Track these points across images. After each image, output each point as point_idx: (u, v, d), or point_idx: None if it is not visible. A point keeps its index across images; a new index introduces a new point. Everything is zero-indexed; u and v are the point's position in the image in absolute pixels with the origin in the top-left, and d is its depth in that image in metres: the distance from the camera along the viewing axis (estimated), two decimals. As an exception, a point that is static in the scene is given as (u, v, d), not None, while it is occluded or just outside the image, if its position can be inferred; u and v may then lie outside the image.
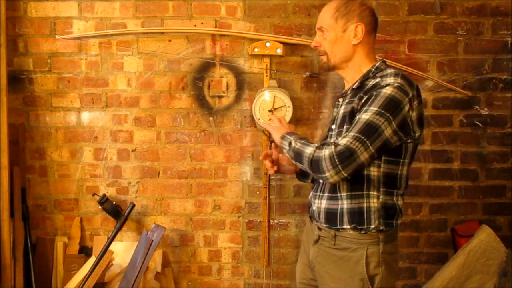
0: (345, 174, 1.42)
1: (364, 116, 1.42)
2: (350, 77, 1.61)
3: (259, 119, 2.36)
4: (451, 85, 2.42)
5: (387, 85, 1.45)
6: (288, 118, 2.36)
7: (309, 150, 1.47)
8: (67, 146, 2.48)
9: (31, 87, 2.45)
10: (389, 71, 1.52)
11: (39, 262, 2.43)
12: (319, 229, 1.60)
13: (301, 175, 1.83)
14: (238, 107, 2.46)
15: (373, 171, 1.50)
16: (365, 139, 1.41)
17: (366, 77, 1.56)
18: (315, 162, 1.44)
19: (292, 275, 2.51)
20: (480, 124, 2.45)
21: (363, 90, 1.52)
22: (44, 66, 2.44)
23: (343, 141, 1.41)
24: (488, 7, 2.41)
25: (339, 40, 1.56)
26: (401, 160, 1.51)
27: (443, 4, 2.40)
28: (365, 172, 1.50)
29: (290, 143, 1.54)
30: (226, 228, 2.51)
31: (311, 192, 1.68)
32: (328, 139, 1.65)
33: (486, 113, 2.45)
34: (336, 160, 1.40)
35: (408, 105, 1.44)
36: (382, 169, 1.49)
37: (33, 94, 2.45)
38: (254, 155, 2.46)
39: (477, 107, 2.45)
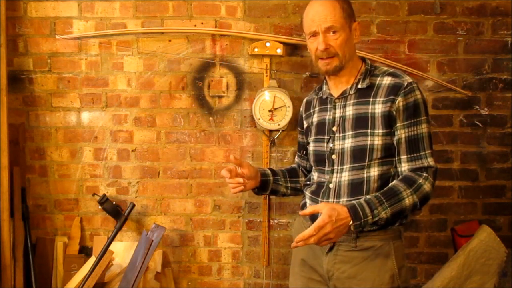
0: None
1: (425, 130, 1.51)
2: (347, 77, 1.59)
3: (259, 119, 2.36)
4: (451, 85, 2.42)
5: (412, 88, 1.51)
6: (288, 118, 2.36)
7: (408, 200, 1.45)
8: (67, 146, 2.48)
9: (31, 87, 2.45)
10: (384, 67, 1.61)
11: (39, 262, 2.43)
12: None
13: (262, 189, 1.77)
14: (238, 107, 2.46)
15: (393, 171, 1.55)
16: (433, 149, 1.54)
17: (367, 75, 1.56)
18: (422, 201, 1.48)
19: (292, 275, 2.51)
20: (480, 124, 2.45)
21: (381, 89, 1.53)
22: (44, 66, 2.44)
23: (430, 163, 1.50)
24: (488, 7, 2.41)
25: (349, 40, 1.55)
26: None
27: (443, 4, 2.40)
28: (392, 171, 1.54)
29: (377, 220, 1.43)
30: (226, 228, 2.51)
31: (318, 200, 1.60)
32: (325, 143, 1.61)
33: (486, 113, 2.45)
34: (434, 182, 1.50)
35: None
36: (404, 168, 1.54)
37: (33, 94, 2.45)
38: (254, 155, 2.46)
39: (477, 107, 2.45)
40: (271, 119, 2.37)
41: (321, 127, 1.65)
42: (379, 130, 1.51)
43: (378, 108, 1.51)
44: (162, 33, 2.42)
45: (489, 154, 2.46)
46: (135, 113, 2.47)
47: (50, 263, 2.45)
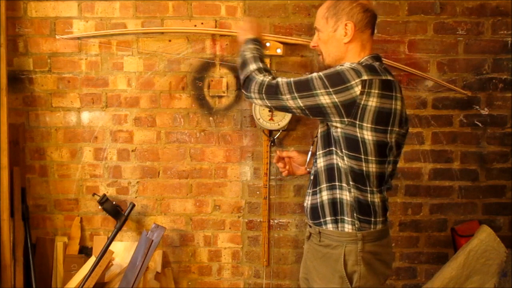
0: (269, 104, 1.60)
1: (308, 76, 1.53)
2: None
3: (259, 119, 2.36)
4: (451, 85, 2.42)
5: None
6: (288, 118, 2.36)
7: (252, 67, 1.64)
8: (67, 146, 2.48)
9: (31, 87, 2.45)
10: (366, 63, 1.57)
11: (39, 262, 2.43)
12: (310, 226, 1.66)
13: None
14: (238, 107, 2.46)
15: (340, 163, 1.53)
16: (294, 90, 1.53)
17: None
18: (248, 80, 1.63)
19: (292, 275, 2.51)
20: (480, 124, 2.45)
21: None
22: (44, 66, 2.44)
23: (278, 79, 1.57)
24: (488, 7, 2.41)
25: (331, 39, 1.59)
26: (363, 157, 1.49)
27: (443, 4, 2.40)
28: (335, 163, 1.54)
29: (244, 50, 1.71)
30: (226, 228, 2.51)
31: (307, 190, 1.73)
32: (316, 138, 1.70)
33: (486, 113, 2.45)
34: (263, 89, 1.58)
35: (358, 87, 1.44)
36: (346, 162, 1.51)
37: (33, 94, 2.45)
38: (254, 155, 2.46)
39: (477, 107, 2.45)
40: (271, 119, 2.37)
41: None
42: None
43: None
44: (162, 33, 2.42)
45: (489, 154, 2.46)
46: (135, 113, 2.47)
47: (50, 263, 2.45)
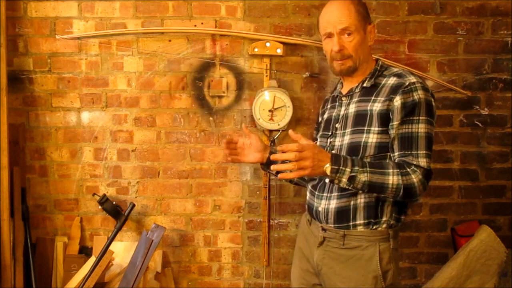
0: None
1: (422, 130, 1.46)
2: (359, 77, 1.61)
3: (259, 119, 2.36)
4: (451, 85, 2.42)
5: (414, 88, 1.47)
6: (288, 118, 2.36)
7: (392, 179, 1.42)
8: (67, 146, 2.48)
9: (31, 87, 2.45)
10: (395, 68, 1.58)
11: (39, 262, 2.43)
12: (324, 230, 1.58)
13: (268, 166, 1.73)
14: (238, 107, 2.46)
15: None
16: (431, 152, 1.48)
17: (374, 75, 1.57)
18: (406, 190, 1.43)
19: (292, 275, 2.51)
20: (480, 124, 2.45)
21: (384, 89, 1.52)
22: (44, 66, 2.44)
23: (421, 163, 1.45)
24: (488, 7, 2.41)
25: (363, 42, 1.56)
26: None
27: (443, 4, 2.40)
28: None
29: (353, 178, 1.41)
30: (226, 228, 2.51)
31: (315, 193, 1.63)
32: (328, 139, 1.63)
33: (486, 113, 2.45)
34: (426, 183, 1.46)
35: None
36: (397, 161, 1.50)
37: (33, 94, 2.45)
38: (254, 155, 2.46)
39: (477, 107, 2.45)
40: (271, 119, 2.37)
41: (328, 123, 1.68)
42: (375, 128, 1.50)
43: (377, 106, 1.51)
44: (162, 33, 2.42)
45: (489, 154, 2.46)
46: (135, 113, 2.47)
47: (50, 263, 2.45)
